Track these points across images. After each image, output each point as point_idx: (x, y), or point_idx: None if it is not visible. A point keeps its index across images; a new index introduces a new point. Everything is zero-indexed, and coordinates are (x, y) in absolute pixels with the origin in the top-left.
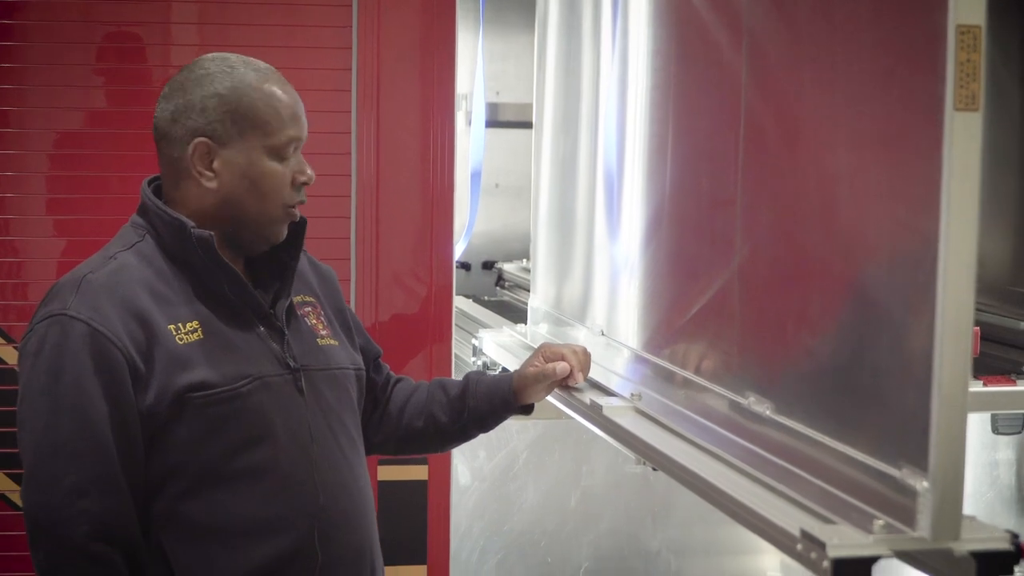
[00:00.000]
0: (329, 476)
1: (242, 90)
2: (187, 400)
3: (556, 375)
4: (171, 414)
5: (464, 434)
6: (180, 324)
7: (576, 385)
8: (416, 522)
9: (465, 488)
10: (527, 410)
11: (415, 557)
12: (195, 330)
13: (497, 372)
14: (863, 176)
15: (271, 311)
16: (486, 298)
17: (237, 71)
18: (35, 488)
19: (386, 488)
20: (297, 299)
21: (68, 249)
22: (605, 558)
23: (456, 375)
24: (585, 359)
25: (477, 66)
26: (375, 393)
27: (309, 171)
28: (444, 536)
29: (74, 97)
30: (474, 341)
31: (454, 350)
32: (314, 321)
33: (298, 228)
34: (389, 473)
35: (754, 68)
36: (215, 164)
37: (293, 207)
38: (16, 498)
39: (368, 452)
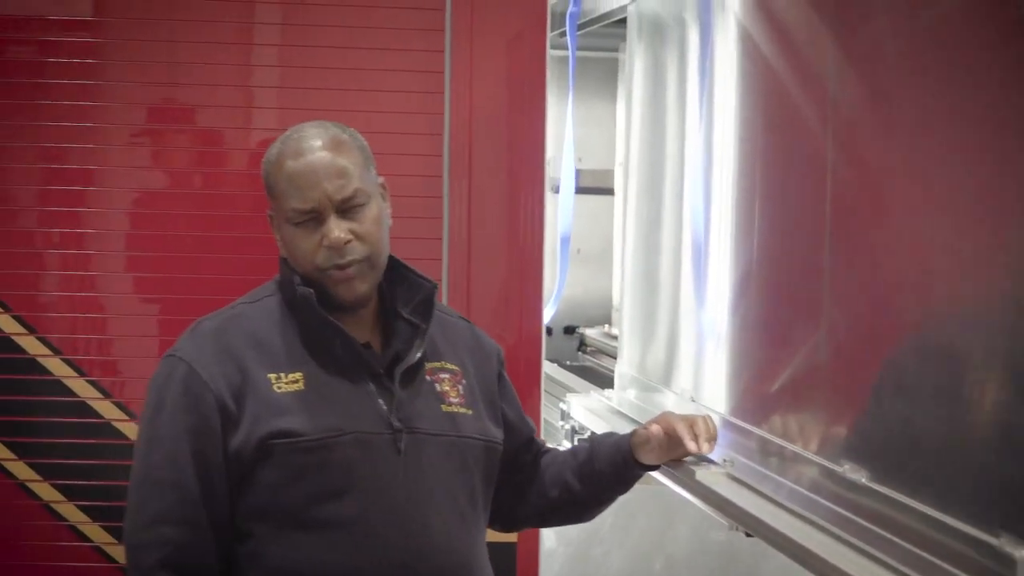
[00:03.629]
0: (421, 539)
1: (265, 164)
2: (271, 446)
3: (648, 443)
4: (256, 458)
5: (598, 499)
6: (282, 374)
7: (690, 457)
8: None
9: (551, 551)
10: (654, 467)
11: None
12: (296, 381)
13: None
14: (959, 245)
15: (382, 371)
16: (568, 363)
17: (275, 145)
18: (128, 511)
19: None
20: (434, 365)
21: (147, 303)
22: None
23: (545, 437)
24: (705, 427)
25: (566, 132)
26: (524, 471)
27: (331, 235)
28: None
29: (152, 157)
30: (562, 405)
31: (542, 414)
32: (447, 388)
33: (429, 294)
34: None
35: (840, 136)
36: (278, 231)
37: (328, 270)
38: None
39: (514, 527)
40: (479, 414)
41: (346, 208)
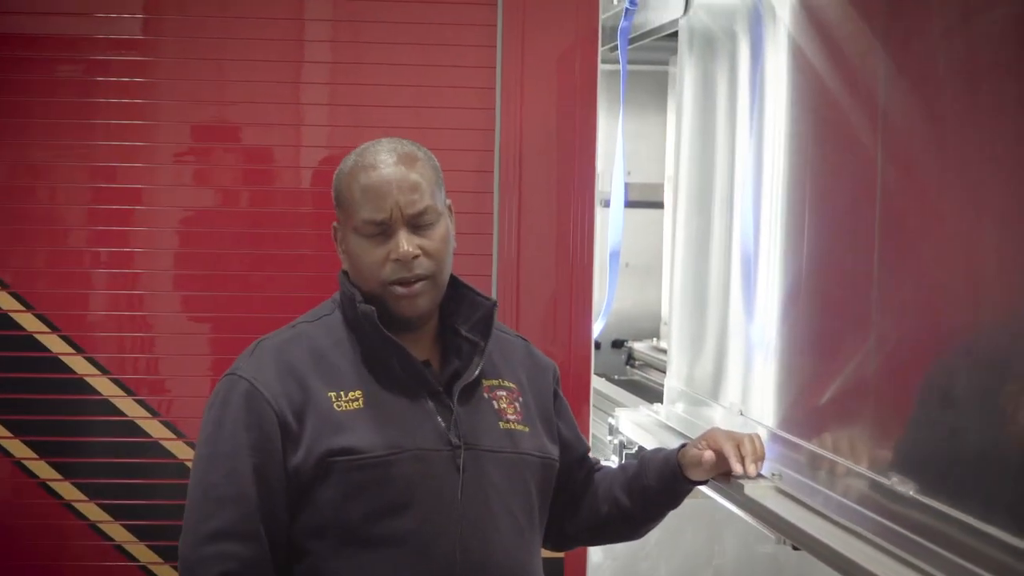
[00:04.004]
0: (480, 555)
1: (338, 175)
2: (331, 463)
3: (702, 466)
4: (316, 475)
5: (647, 514)
6: (342, 392)
7: (738, 475)
8: None
9: (597, 566)
10: (703, 481)
11: None
12: (356, 399)
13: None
14: (1009, 255)
15: (441, 389)
16: (616, 377)
17: (351, 157)
18: (186, 528)
19: None
20: (492, 382)
21: (196, 321)
22: None
23: (593, 452)
24: (752, 447)
25: (616, 146)
26: (576, 488)
27: (400, 248)
28: None
29: (200, 176)
30: (610, 420)
31: (591, 429)
32: (504, 405)
33: (488, 312)
34: None
35: (890, 147)
36: (343, 245)
37: (394, 284)
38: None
39: (565, 545)
40: (536, 431)
41: (416, 224)
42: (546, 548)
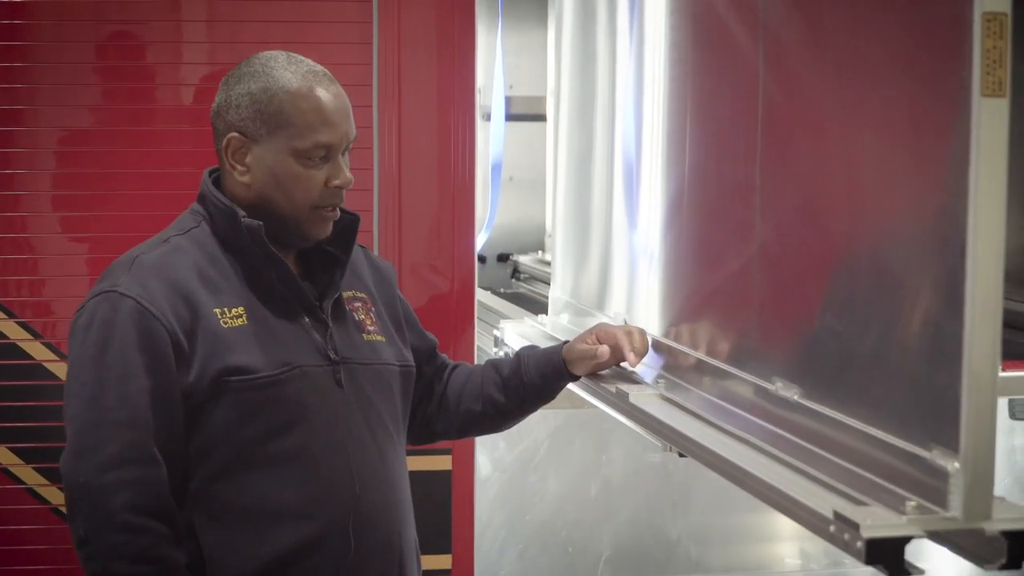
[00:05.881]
0: (364, 468)
1: (272, 91)
2: (225, 383)
3: (597, 359)
4: (209, 395)
5: (523, 410)
6: (226, 308)
7: (628, 368)
8: (441, 512)
9: (486, 479)
10: (577, 378)
11: (440, 547)
12: (240, 316)
13: None
14: (889, 161)
15: (317, 304)
16: (502, 290)
17: (276, 72)
18: (77, 456)
19: (411, 478)
20: (348, 294)
21: (79, 242)
22: (625, 547)
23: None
24: (640, 341)
25: (496, 60)
26: (432, 384)
27: (345, 175)
28: (468, 526)
29: (82, 95)
30: (496, 332)
31: (476, 342)
32: (362, 316)
33: (350, 225)
34: (413, 463)
35: (771, 56)
36: (247, 159)
37: (326, 209)
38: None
39: (430, 440)
40: (392, 340)
41: (345, 150)
42: (410, 443)
